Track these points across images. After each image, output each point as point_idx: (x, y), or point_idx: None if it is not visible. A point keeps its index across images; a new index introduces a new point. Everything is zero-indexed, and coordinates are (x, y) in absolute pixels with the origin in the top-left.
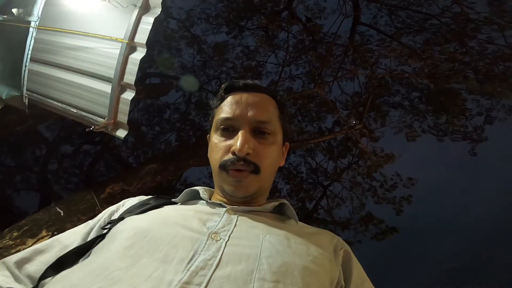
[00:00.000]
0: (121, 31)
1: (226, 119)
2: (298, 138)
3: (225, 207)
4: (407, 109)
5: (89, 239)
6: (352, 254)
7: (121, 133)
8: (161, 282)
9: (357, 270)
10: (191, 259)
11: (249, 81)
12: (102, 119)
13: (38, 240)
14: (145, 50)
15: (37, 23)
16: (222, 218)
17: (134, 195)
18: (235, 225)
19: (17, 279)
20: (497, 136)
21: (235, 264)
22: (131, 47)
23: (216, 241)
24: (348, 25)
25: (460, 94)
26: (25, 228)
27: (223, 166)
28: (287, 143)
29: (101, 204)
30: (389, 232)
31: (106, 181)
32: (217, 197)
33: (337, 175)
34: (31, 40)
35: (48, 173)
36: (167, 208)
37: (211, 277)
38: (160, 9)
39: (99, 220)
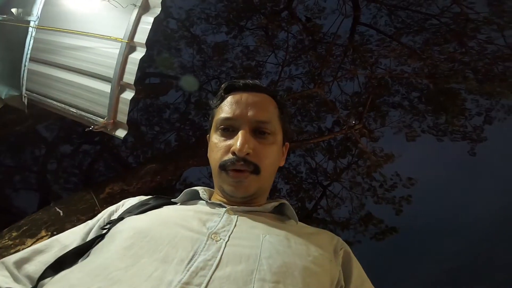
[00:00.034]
0: (121, 31)
1: (226, 119)
2: (298, 138)
3: (225, 207)
4: (406, 109)
5: (88, 239)
6: (352, 254)
7: (121, 133)
8: (161, 283)
9: (357, 270)
10: (191, 259)
11: (249, 81)
12: (102, 119)
13: (37, 240)
14: (145, 50)
15: (36, 22)
16: (222, 218)
17: (134, 195)
18: (235, 225)
19: (16, 279)
20: (496, 136)
21: (235, 265)
22: (130, 47)
23: (216, 241)
24: (347, 25)
25: (460, 94)
26: (24, 228)
27: (223, 166)
28: (287, 143)
29: (101, 204)
30: (388, 232)
31: (106, 181)
32: (217, 197)
33: (336, 175)
34: (30, 40)
35: (47, 173)
36: (166, 208)
37: (211, 277)
38: (160, 9)
39: (98, 220)
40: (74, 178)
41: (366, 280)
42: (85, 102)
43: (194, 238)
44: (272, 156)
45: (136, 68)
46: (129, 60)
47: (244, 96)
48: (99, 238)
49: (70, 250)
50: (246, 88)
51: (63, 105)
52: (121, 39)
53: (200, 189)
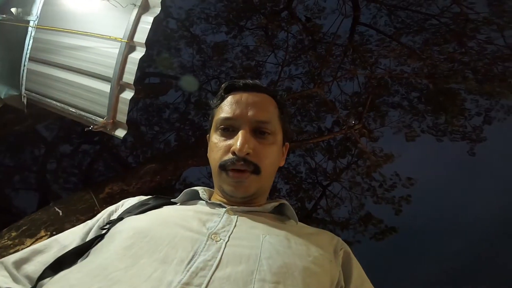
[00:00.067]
0: (121, 31)
1: (226, 118)
2: (298, 138)
3: (225, 207)
4: (406, 109)
5: (88, 239)
6: (352, 255)
7: (120, 133)
8: (160, 283)
9: (357, 270)
10: (191, 259)
11: (249, 81)
12: (101, 119)
13: (36, 240)
14: (145, 49)
15: (36, 22)
16: (222, 218)
17: (133, 195)
18: (235, 225)
19: (15, 280)
20: (496, 136)
21: (235, 265)
22: (130, 47)
23: (216, 241)
24: (347, 25)
25: (459, 94)
26: (24, 228)
27: (223, 166)
28: (287, 143)
29: (100, 204)
30: (388, 232)
31: (105, 181)
32: (217, 197)
33: (336, 175)
34: (30, 40)
35: (47, 173)
36: (166, 208)
37: (211, 278)
38: (160, 9)
39: (98, 220)
40: (73, 178)
41: (366, 280)
42: (85, 101)
43: (194, 238)
44: (272, 156)
45: (136, 68)
46: (128, 59)
47: (244, 96)
48: (99, 238)
49: (69, 250)
50: (246, 88)
51: (62, 105)
52: (121, 38)
53: (200, 189)
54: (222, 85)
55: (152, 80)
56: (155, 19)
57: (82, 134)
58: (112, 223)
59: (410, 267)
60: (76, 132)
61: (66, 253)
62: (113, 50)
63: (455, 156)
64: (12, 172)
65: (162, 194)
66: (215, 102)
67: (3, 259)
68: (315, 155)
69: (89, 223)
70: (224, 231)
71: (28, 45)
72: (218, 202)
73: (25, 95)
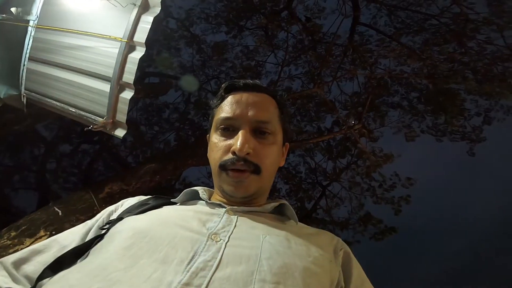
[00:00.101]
0: (120, 30)
1: (226, 118)
2: (297, 138)
3: (225, 207)
4: (406, 109)
5: (87, 239)
6: (351, 255)
7: (120, 133)
8: (160, 283)
9: (357, 270)
10: (191, 260)
11: (250, 81)
12: (101, 119)
13: (36, 240)
14: (144, 49)
15: (35, 22)
16: (221, 218)
17: (133, 195)
18: (235, 225)
19: (15, 280)
20: (495, 137)
21: (235, 265)
22: (130, 46)
23: (216, 242)
24: (347, 25)
25: (459, 95)
26: (23, 227)
27: (223, 166)
28: (287, 143)
29: (100, 204)
30: (387, 232)
31: (105, 181)
32: (217, 197)
33: (336, 175)
34: (29, 39)
35: (46, 173)
36: (166, 209)
37: (211, 278)
38: (160, 8)
39: (97, 220)
40: (73, 177)
41: (366, 280)
42: (84, 101)
43: (194, 238)
44: (272, 156)
45: (136, 68)
46: (128, 59)
47: (244, 96)
48: (98, 238)
49: (69, 251)
50: (246, 88)
51: (62, 105)
52: (121, 38)
53: (199, 189)
54: (222, 85)
55: (152, 80)
56: (155, 18)
57: (81, 134)
58: (111, 223)
59: (409, 267)
60: (76, 131)
61: (65, 253)
62: (113, 49)
63: (455, 156)
64: (11, 172)
65: (162, 194)
66: (215, 102)
67: (2, 259)
68: (315, 155)
69: (88, 223)
70: (224, 231)
71: (28, 44)
72: (218, 202)
73: (24, 94)
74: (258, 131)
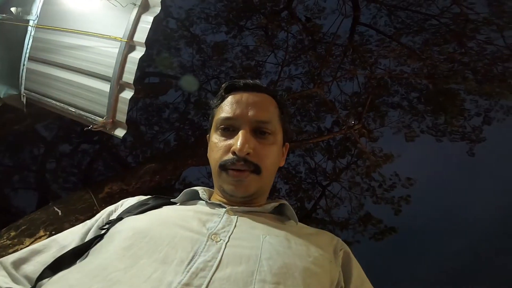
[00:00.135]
0: (120, 30)
1: (227, 118)
2: (297, 138)
3: (225, 207)
4: (406, 109)
5: (87, 239)
6: (351, 255)
7: (120, 132)
8: (160, 284)
9: (357, 271)
10: (191, 260)
11: (250, 81)
12: (101, 118)
13: (35, 240)
14: (144, 49)
15: (35, 21)
16: (222, 218)
17: (133, 195)
18: (235, 226)
19: (14, 280)
20: (495, 137)
21: (235, 266)
22: (130, 46)
23: (216, 242)
24: (347, 25)
25: (459, 95)
26: (23, 227)
27: (223, 166)
28: (287, 144)
29: (99, 203)
30: (387, 232)
31: (105, 181)
32: (217, 197)
33: (336, 175)
34: (29, 39)
35: (46, 172)
36: (166, 209)
37: (211, 278)
38: (160, 8)
39: (97, 220)
40: (73, 177)
41: (366, 280)
42: (84, 101)
43: (194, 238)
44: (273, 156)
45: (136, 68)
46: (128, 59)
47: (244, 96)
48: (98, 238)
49: (68, 251)
50: (246, 88)
51: (62, 104)
52: (121, 38)
53: (199, 189)
54: (223, 85)
55: (152, 79)
56: (155, 18)
57: (81, 134)
58: (111, 223)
59: (409, 267)
60: (76, 131)
61: (65, 253)
62: (113, 49)
63: (455, 156)
64: (11, 172)
65: (162, 194)
66: (215, 102)
67: (2, 259)
68: (315, 155)
69: (88, 223)
70: (224, 231)
71: (28, 44)
72: (218, 202)
73: (24, 94)
74: (258, 131)
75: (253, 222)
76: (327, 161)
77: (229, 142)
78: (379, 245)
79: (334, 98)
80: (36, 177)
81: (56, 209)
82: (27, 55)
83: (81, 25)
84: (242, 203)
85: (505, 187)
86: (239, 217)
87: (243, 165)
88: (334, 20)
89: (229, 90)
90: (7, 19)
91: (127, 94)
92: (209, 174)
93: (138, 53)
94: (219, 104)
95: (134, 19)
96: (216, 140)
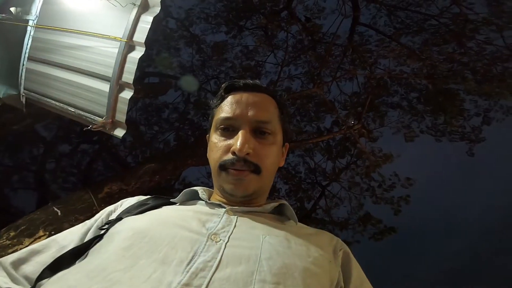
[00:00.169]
0: (120, 30)
1: (226, 118)
2: (297, 138)
3: (225, 207)
4: (405, 109)
5: (86, 239)
6: (351, 255)
7: (119, 132)
8: (160, 284)
9: (356, 271)
10: (191, 260)
11: (250, 81)
12: (100, 118)
13: (35, 240)
14: (144, 49)
15: (35, 21)
16: (221, 219)
17: (132, 195)
18: (235, 226)
19: (14, 280)
20: (494, 137)
21: (235, 266)
22: (129, 46)
23: (216, 242)
24: (347, 25)
25: (458, 95)
26: (22, 227)
27: (223, 166)
28: (287, 144)
29: (99, 203)
30: (387, 232)
31: (104, 181)
32: (216, 198)
33: (335, 175)
34: (29, 39)
35: (45, 173)
36: (166, 209)
37: (211, 279)
38: (159, 8)
39: (96, 221)
40: (72, 177)
41: (365, 280)
42: (84, 101)
43: (194, 239)
44: (272, 156)
45: (135, 68)
46: (128, 59)
47: (244, 96)
48: (97, 238)
49: (68, 251)
50: (246, 88)
51: (61, 104)
52: (120, 38)
53: (199, 189)
54: (222, 85)
55: (151, 79)
56: (154, 18)
57: (81, 134)
58: (111, 223)
59: (409, 267)
60: (75, 131)
61: (64, 253)
62: (113, 49)
63: (454, 156)
64: (10, 172)
65: (161, 194)
66: (215, 102)
67: (1, 259)
68: (315, 155)
69: (87, 223)
70: (224, 231)
71: (27, 44)
72: (218, 202)
73: (24, 94)
74: (258, 131)
75: (253, 222)
76: (327, 161)
77: (228, 142)
78: (379, 245)
79: (333, 98)
80: (36, 177)
81: (55, 209)
82: (27, 55)
83: (80, 25)
84: (241, 203)
85: (504, 187)
86: (238, 217)
87: (243, 165)
88: (333, 20)
89: (229, 90)
90: (7, 19)
91: (127, 94)
92: (209, 174)
93: (137, 53)
94: (219, 104)
95: (134, 19)
96: (215, 140)
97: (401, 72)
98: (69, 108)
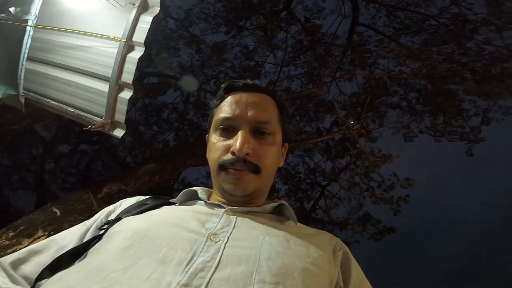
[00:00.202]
0: (119, 30)
1: (226, 119)
2: (296, 138)
3: (224, 207)
4: (404, 109)
5: (85, 239)
6: (350, 255)
7: (119, 133)
8: (159, 284)
9: (356, 271)
10: (190, 260)
11: (249, 81)
12: (99, 118)
13: (34, 240)
14: (143, 49)
15: (34, 21)
16: (221, 219)
17: (132, 195)
18: (234, 226)
19: (13, 280)
20: (494, 137)
21: (235, 266)
22: (129, 46)
23: (215, 242)
24: (346, 26)
25: (458, 95)
26: (21, 228)
27: (222, 166)
28: (286, 144)
29: (98, 204)
30: (386, 232)
31: (103, 181)
32: (216, 198)
33: (335, 175)
34: (28, 39)
35: (45, 173)
36: (165, 209)
37: (210, 279)
38: (159, 8)
39: (95, 221)
40: (71, 177)
41: (365, 280)
42: (83, 101)
43: (193, 239)
44: (272, 156)
45: (135, 68)
46: (127, 59)
47: (244, 96)
48: (97, 238)
49: (67, 251)
50: (246, 88)
51: (60, 105)
52: (120, 38)
53: (198, 189)
54: (222, 85)
55: (151, 80)
56: (154, 18)
57: (80, 134)
58: (110, 223)
59: (408, 267)
60: (74, 131)
61: (63, 253)
62: (112, 49)
63: (453, 156)
64: (10, 172)
65: (161, 194)
66: (214, 102)
67: (0, 259)
68: (314, 155)
69: (87, 223)
70: (223, 231)
71: (27, 44)
72: (217, 203)
73: (23, 94)
74: (257, 132)
75: (252, 223)
76: (326, 161)
77: (228, 142)
78: (378, 245)
79: (333, 98)
80: (35, 177)
81: (54, 209)
82: (26, 55)
83: (80, 25)
84: (241, 203)
85: (504, 187)
86: (238, 218)
87: (243, 165)
88: (333, 20)
89: (229, 90)
90: (6, 19)
91: (126, 94)
92: (208, 175)
93: (137, 53)
94: (219, 104)
95: (133, 19)
96: (215, 140)
97: (400, 72)
98: (68, 108)
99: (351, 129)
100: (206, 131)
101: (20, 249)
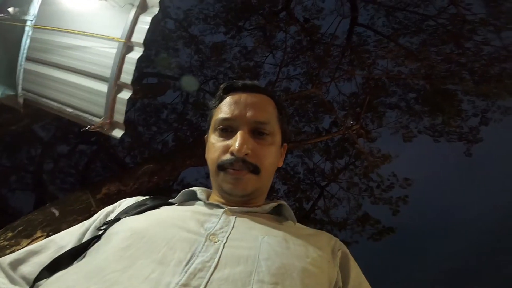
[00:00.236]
0: (118, 30)
1: (225, 119)
2: (296, 138)
3: (223, 208)
4: (403, 110)
5: (84, 240)
6: (350, 256)
7: (117, 133)
8: (158, 284)
9: (355, 271)
10: (189, 261)
11: (248, 82)
12: (98, 119)
13: (33, 240)
14: (142, 49)
15: (33, 22)
16: (220, 219)
17: (131, 196)
18: (233, 226)
19: (12, 281)
20: (492, 137)
21: (234, 266)
22: (128, 47)
23: (214, 242)
24: (345, 26)
25: (456, 95)
26: (20, 228)
27: (221, 167)
28: (285, 144)
29: (97, 204)
30: (385, 232)
31: (102, 181)
32: (215, 198)
33: (334, 175)
34: (27, 39)
35: (43, 173)
36: (164, 209)
37: (209, 279)
38: (158, 9)
39: (94, 221)
40: (70, 178)
41: (364, 281)
42: (82, 101)
43: (192, 239)
44: (271, 156)
45: (134, 68)
46: (126, 59)
47: (243, 97)
48: (95, 239)
49: (66, 251)
50: (245, 89)
51: (59, 105)
52: (119, 38)
53: (197, 189)
54: (221, 86)
55: (150, 80)
56: (153, 19)
57: (79, 134)
58: (109, 223)
59: (407, 267)
60: (73, 132)
61: (62, 254)
62: (111, 50)
63: (452, 156)
64: (8, 172)
65: (160, 195)
66: (213, 102)
67: None
68: (313, 155)
69: (85, 223)
70: (222, 232)
71: (25, 44)
72: (216, 203)
73: (21, 94)
74: (256, 132)
75: (251, 223)
76: (325, 162)
77: (227, 143)
78: (377, 245)
79: (332, 98)
80: (33, 178)
81: (53, 210)
82: (25, 55)
83: (79, 25)
84: (240, 203)
85: (502, 187)
86: (237, 218)
87: (242, 165)
88: (332, 21)
89: (228, 91)
90: (5, 19)
91: (125, 94)
92: (207, 175)
93: (136, 54)
94: (218, 104)
95: (132, 20)
96: (214, 140)
97: (399, 72)
98: (67, 109)
99: (350, 130)
100: (205, 132)
101: (18, 249)
